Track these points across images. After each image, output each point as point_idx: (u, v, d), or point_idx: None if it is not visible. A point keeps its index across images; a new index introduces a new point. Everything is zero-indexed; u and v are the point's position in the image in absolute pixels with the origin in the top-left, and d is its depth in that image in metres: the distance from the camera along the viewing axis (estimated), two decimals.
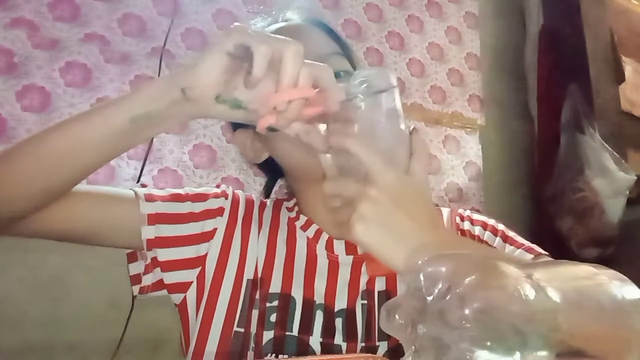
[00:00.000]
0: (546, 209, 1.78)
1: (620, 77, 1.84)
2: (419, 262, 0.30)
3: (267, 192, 0.77)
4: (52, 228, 0.56)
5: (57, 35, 1.30)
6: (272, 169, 0.71)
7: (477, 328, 0.25)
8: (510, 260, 0.30)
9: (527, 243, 0.65)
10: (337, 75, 0.66)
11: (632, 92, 1.88)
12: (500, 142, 1.96)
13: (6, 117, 1.20)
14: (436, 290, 0.27)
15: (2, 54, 1.22)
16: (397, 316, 0.29)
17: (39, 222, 0.53)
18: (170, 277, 0.62)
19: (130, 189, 0.63)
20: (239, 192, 0.70)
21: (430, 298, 0.27)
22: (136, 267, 0.63)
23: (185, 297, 0.62)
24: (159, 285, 0.62)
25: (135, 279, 0.63)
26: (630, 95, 1.87)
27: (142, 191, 0.62)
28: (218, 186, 0.70)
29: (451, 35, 1.94)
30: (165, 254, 0.61)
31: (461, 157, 1.84)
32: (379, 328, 0.57)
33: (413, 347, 0.28)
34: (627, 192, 1.63)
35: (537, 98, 1.92)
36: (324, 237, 0.64)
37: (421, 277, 0.28)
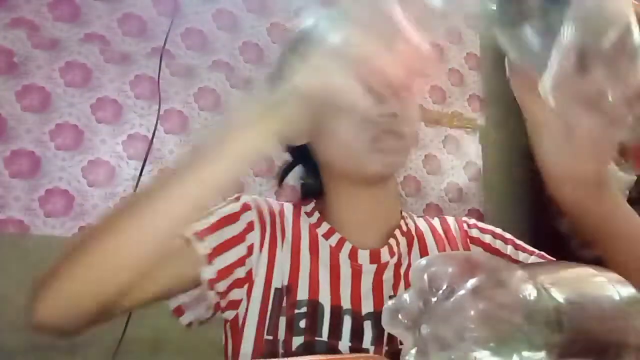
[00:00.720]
0: (546, 209, 1.78)
1: None
2: (423, 262, 0.30)
3: (282, 177, 0.74)
4: (121, 310, 0.53)
5: (57, 35, 1.30)
6: (300, 155, 0.70)
7: (480, 329, 0.25)
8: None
9: (536, 251, 0.66)
10: None
11: None
12: (500, 142, 1.96)
13: (6, 117, 1.20)
14: (440, 292, 0.27)
15: (2, 54, 1.23)
16: (400, 316, 0.29)
17: (118, 309, 0.51)
18: (226, 300, 0.61)
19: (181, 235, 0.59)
20: (258, 200, 0.68)
21: (434, 299, 0.27)
22: (176, 300, 0.61)
23: (237, 313, 0.61)
24: (217, 308, 0.61)
25: (178, 311, 0.61)
26: None
27: (190, 234, 0.59)
28: (237, 199, 0.66)
29: (451, 35, 1.94)
30: (222, 285, 0.59)
31: (461, 157, 1.84)
32: None
33: (415, 347, 0.28)
34: (627, 192, 1.63)
35: None
36: (347, 246, 0.64)
37: (425, 277, 0.28)
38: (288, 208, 0.69)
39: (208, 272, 0.58)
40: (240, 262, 0.61)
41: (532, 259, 0.63)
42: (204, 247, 0.58)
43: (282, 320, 0.58)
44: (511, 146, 1.98)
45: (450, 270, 0.28)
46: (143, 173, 1.30)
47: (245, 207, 0.65)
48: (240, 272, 0.60)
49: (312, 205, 0.69)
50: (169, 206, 0.46)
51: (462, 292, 0.26)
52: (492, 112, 1.97)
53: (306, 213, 0.68)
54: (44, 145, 1.23)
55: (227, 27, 1.52)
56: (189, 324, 0.62)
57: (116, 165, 1.29)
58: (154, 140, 1.34)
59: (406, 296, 0.30)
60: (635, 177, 1.63)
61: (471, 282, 0.26)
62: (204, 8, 1.50)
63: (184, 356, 1.19)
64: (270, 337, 0.58)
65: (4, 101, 1.21)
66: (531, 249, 0.66)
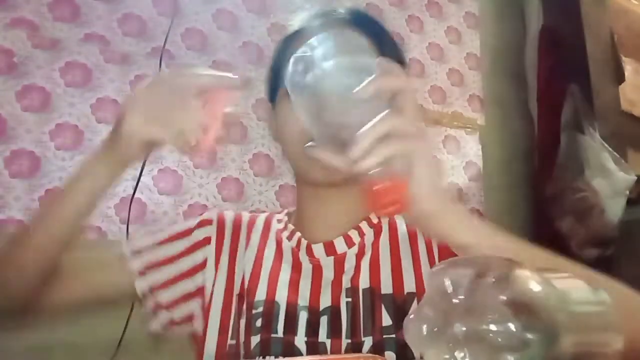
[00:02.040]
0: (546, 209, 1.78)
1: (620, 77, 1.84)
2: (437, 267, 0.30)
3: None
4: (57, 309, 0.63)
5: (57, 35, 1.30)
6: None
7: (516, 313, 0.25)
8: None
9: None
10: None
11: (632, 92, 1.88)
12: (500, 142, 1.96)
13: (6, 117, 1.20)
14: (463, 289, 0.28)
15: (2, 54, 1.22)
16: (424, 327, 0.29)
17: (42, 307, 0.60)
18: (179, 313, 0.66)
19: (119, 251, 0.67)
20: (226, 213, 0.72)
21: (461, 297, 0.28)
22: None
23: (194, 327, 0.66)
24: (172, 324, 0.67)
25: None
26: (630, 95, 1.87)
27: (127, 249, 0.67)
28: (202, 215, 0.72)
29: (451, 35, 1.94)
30: (166, 296, 0.66)
31: (461, 157, 1.84)
32: (364, 324, 0.57)
33: (457, 350, 0.28)
34: (627, 192, 1.63)
35: (537, 98, 1.92)
36: (304, 243, 0.65)
37: (446, 280, 0.29)
38: (261, 218, 0.73)
39: (141, 285, 0.65)
40: (188, 274, 0.66)
41: None
42: (136, 264, 0.65)
43: (243, 323, 0.60)
44: (511, 146, 1.98)
45: (468, 270, 0.28)
46: (143, 173, 1.30)
47: (203, 223, 0.70)
48: (188, 285, 0.66)
49: (285, 211, 0.73)
50: (40, 240, 0.56)
51: (492, 280, 0.27)
52: (492, 112, 1.97)
53: (278, 220, 0.72)
54: (44, 145, 1.23)
55: (227, 27, 1.52)
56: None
57: None
58: None
59: (425, 308, 0.30)
60: (635, 177, 1.63)
61: (492, 275, 0.27)
62: (204, 8, 1.50)
63: (184, 356, 1.18)
64: (234, 342, 0.60)
65: (4, 101, 1.21)
66: None
